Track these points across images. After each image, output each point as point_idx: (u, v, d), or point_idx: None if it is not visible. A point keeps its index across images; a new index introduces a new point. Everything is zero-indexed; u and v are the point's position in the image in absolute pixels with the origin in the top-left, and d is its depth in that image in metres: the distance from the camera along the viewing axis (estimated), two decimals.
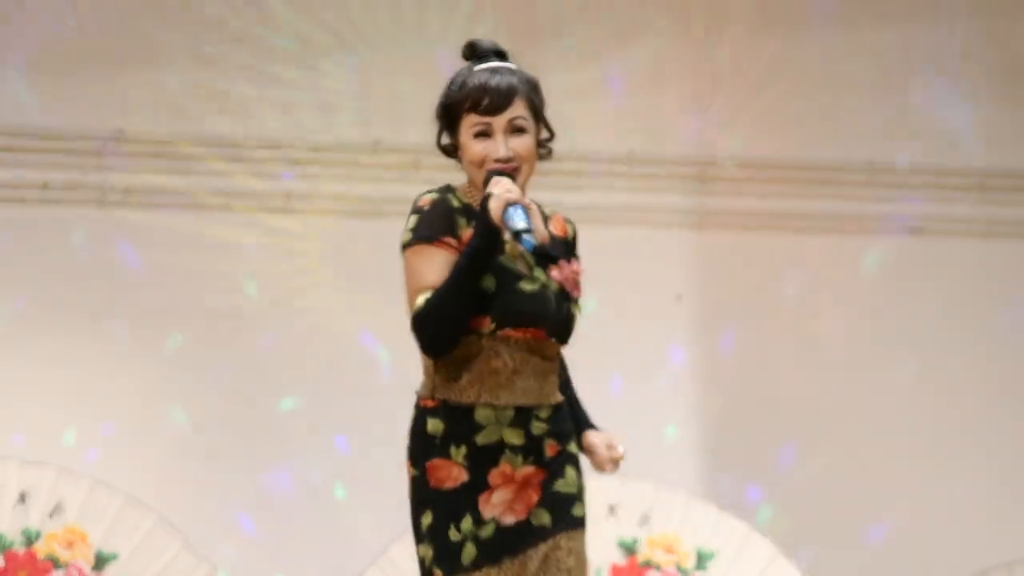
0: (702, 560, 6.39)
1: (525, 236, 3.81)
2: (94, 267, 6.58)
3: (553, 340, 3.91)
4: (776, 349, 6.99)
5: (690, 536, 6.40)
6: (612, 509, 6.28)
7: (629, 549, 6.35)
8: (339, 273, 6.73)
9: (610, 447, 4.04)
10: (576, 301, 3.95)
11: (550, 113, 4.02)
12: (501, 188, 3.86)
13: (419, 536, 3.93)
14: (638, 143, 6.91)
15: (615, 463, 4.03)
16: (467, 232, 3.91)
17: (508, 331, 3.88)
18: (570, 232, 4.05)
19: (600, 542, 6.20)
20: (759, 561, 6.41)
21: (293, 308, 6.80)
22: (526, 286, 3.88)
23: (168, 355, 6.67)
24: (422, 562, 3.96)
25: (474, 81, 3.93)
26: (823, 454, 6.93)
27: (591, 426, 4.09)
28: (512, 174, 3.95)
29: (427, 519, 3.88)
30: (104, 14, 6.77)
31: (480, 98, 3.91)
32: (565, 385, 4.10)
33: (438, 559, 3.90)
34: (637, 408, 6.74)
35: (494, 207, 3.84)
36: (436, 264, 3.90)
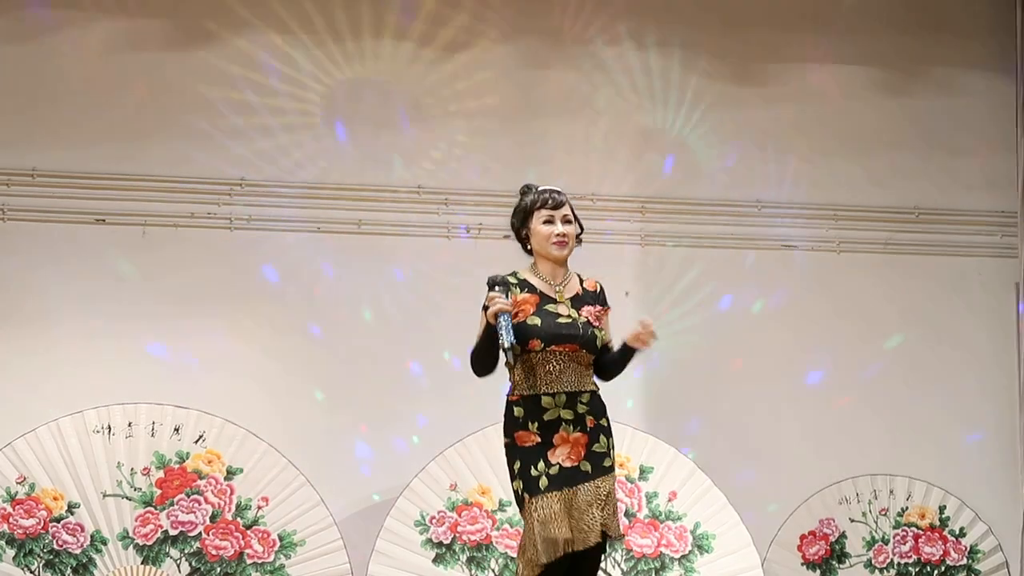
0: (644, 473, 6.82)
1: (504, 345, 4.73)
2: (223, 269, 6.84)
3: (584, 351, 4.92)
4: (693, 328, 7.20)
5: (635, 456, 6.82)
6: None
7: None
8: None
9: (642, 326, 4.86)
10: (598, 328, 4.93)
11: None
12: (495, 304, 4.77)
13: (513, 476, 4.95)
14: (600, 187, 7.24)
15: (647, 333, 4.85)
16: (521, 295, 4.90)
17: (553, 347, 4.89)
18: (598, 288, 4.99)
19: None
20: (682, 473, 6.82)
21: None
22: (561, 320, 4.90)
23: (276, 331, 6.85)
24: (516, 491, 4.94)
25: (542, 193, 4.95)
26: (728, 407, 7.19)
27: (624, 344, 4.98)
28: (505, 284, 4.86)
29: (517, 465, 4.91)
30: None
31: (547, 200, 4.94)
32: (607, 357, 5.00)
33: (526, 488, 4.88)
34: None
35: (490, 314, 4.78)
36: (508, 293, 4.92)
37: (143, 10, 6.95)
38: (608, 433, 4.97)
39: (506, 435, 4.96)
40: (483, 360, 4.94)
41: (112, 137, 6.83)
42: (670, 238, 7.28)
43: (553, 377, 4.89)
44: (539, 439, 4.88)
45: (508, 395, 4.98)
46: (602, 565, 6.44)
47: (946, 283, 7.46)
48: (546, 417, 4.89)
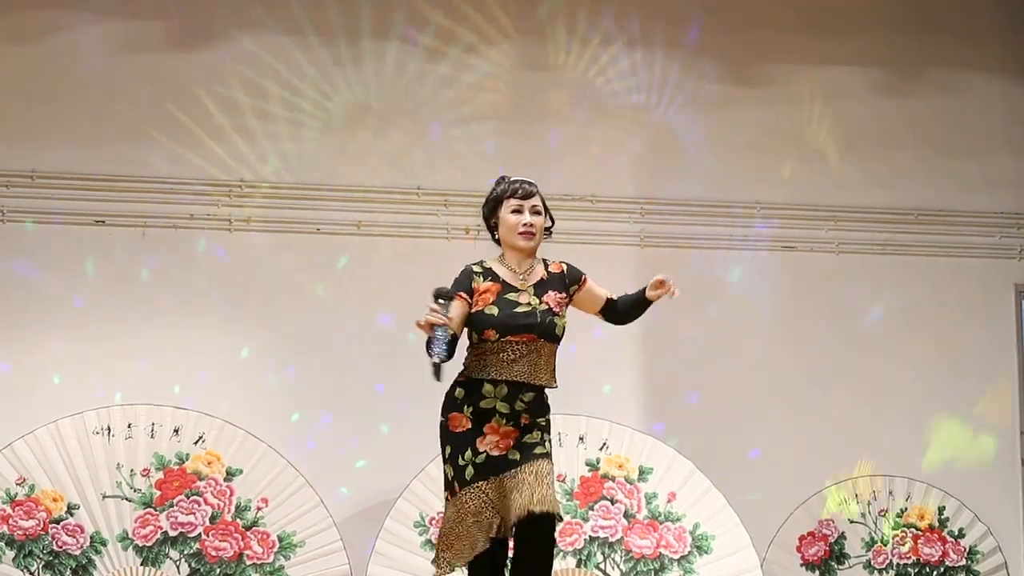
0: (643, 474, 6.77)
1: (434, 356, 4.59)
2: (223, 270, 6.83)
3: (543, 341, 4.82)
4: (691, 329, 7.13)
5: (635, 457, 6.78)
6: (582, 439, 6.69)
7: (593, 466, 6.73)
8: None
9: (655, 284, 4.83)
10: (559, 315, 4.83)
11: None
12: (430, 316, 4.63)
13: (444, 460, 4.86)
14: (599, 188, 7.18)
15: (664, 287, 4.80)
16: (483, 284, 4.84)
17: (509, 337, 4.80)
18: (564, 270, 4.90)
19: (573, 462, 6.67)
20: (681, 474, 6.78)
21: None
22: (519, 309, 4.82)
23: (277, 332, 6.81)
24: (446, 475, 4.85)
25: (512, 183, 4.89)
26: (727, 409, 7.11)
27: (643, 291, 4.94)
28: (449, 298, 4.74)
29: (448, 451, 4.84)
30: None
31: (517, 190, 4.87)
32: (622, 302, 4.91)
33: (455, 476, 4.80)
34: (595, 369, 6.91)
35: (421, 323, 4.61)
36: (454, 309, 4.78)
37: (143, 11, 6.90)
38: (545, 430, 4.87)
39: (442, 414, 4.87)
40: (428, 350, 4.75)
41: (112, 138, 6.78)
42: (669, 239, 7.21)
43: (504, 366, 4.80)
44: (470, 425, 4.80)
45: (457, 375, 4.89)
46: (601, 566, 6.62)
47: (945, 284, 7.39)
48: (482, 404, 4.81)
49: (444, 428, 4.87)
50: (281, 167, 6.94)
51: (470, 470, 4.77)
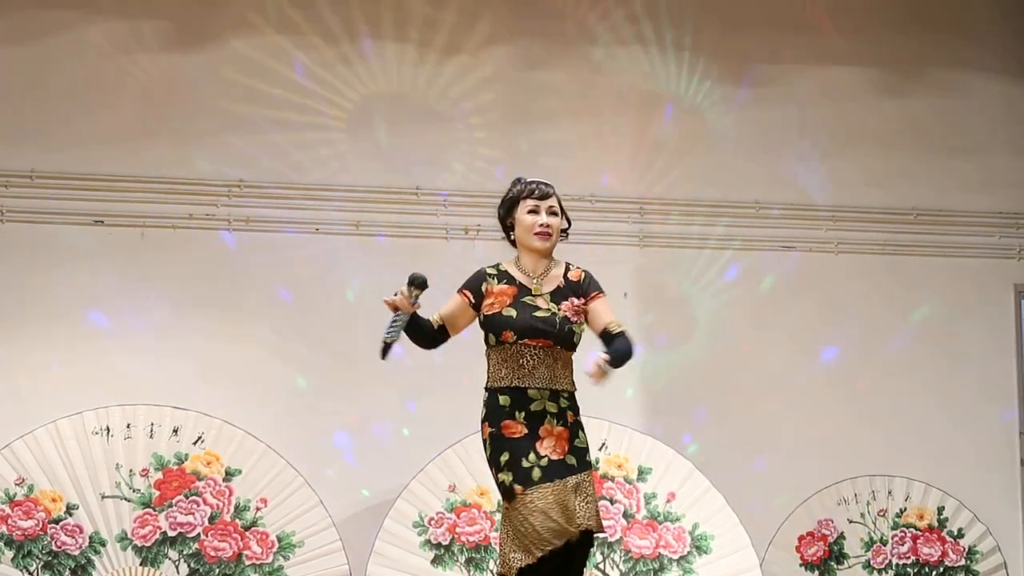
0: (642, 474, 6.75)
1: (387, 337, 4.78)
2: (223, 271, 6.81)
3: (559, 347, 4.82)
4: (690, 331, 7.14)
5: (634, 457, 6.77)
6: None
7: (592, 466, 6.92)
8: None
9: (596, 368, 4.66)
10: (577, 323, 4.83)
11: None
12: (396, 299, 4.79)
13: (499, 468, 4.79)
14: (598, 188, 7.17)
15: (597, 373, 4.65)
16: (496, 287, 4.87)
17: (527, 341, 4.80)
18: (582, 278, 4.87)
19: None
20: (681, 474, 6.77)
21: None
22: (538, 314, 4.82)
23: (275, 332, 6.80)
24: (502, 484, 4.79)
25: (529, 184, 4.88)
26: (726, 409, 7.11)
27: (605, 352, 4.76)
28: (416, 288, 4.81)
29: (505, 456, 4.78)
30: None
31: (534, 190, 4.86)
32: (615, 339, 4.76)
33: (517, 480, 4.75)
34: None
35: (386, 301, 4.80)
36: (451, 303, 4.95)
37: (143, 11, 6.89)
38: (584, 429, 4.91)
39: (491, 424, 4.83)
40: (416, 339, 4.94)
41: (111, 138, 6.76)
42: (669, 239, 7.19)
43: (526, 372, 4.81)
44: (526, 430, 4.79)
45: (487, 385, 4.88)
46: (600, 566, 6.60)
47: (944, 284, 7.37)
48: (533, 408, 4.80)
49: (497, 437, 4.82)
50: (281, 167, 6.91)
51: (536, 472, 4.76)
